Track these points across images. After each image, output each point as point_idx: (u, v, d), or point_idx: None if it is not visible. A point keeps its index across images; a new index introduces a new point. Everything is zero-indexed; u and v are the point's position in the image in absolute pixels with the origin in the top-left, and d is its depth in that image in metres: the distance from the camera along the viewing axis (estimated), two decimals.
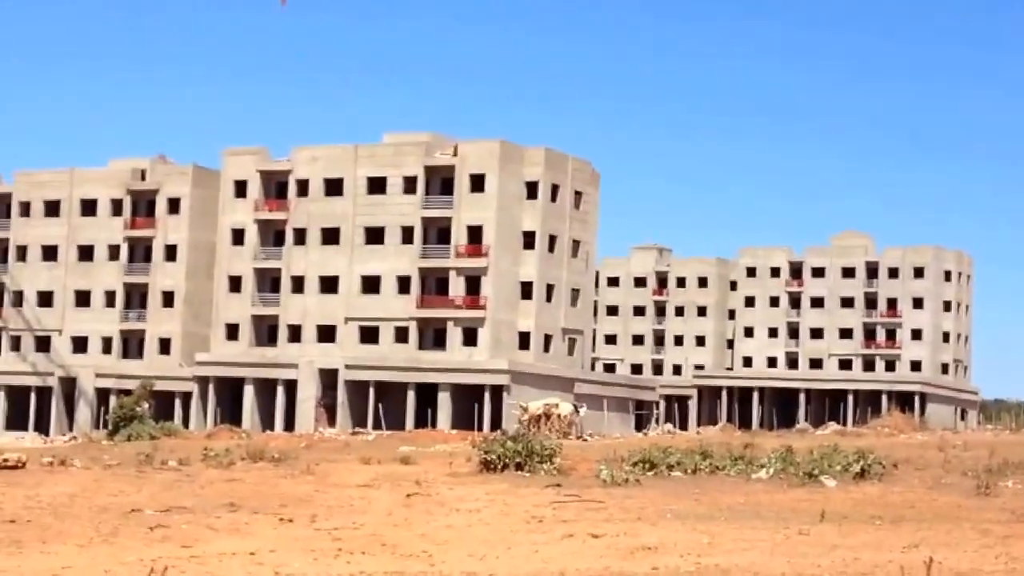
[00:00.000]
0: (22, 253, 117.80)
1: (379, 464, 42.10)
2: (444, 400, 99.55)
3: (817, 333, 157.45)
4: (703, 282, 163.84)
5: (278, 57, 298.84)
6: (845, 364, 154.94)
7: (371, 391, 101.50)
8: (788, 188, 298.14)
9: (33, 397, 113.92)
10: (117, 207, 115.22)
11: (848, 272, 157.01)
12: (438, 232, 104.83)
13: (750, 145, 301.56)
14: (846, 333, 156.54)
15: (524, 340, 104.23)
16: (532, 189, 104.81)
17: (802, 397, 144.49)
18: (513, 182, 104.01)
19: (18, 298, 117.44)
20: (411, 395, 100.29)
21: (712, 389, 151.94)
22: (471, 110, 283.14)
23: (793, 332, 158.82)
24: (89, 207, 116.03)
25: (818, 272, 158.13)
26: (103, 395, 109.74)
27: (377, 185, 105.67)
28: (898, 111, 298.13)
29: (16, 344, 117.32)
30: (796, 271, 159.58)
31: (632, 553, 21.71)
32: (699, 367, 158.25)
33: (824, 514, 26.66)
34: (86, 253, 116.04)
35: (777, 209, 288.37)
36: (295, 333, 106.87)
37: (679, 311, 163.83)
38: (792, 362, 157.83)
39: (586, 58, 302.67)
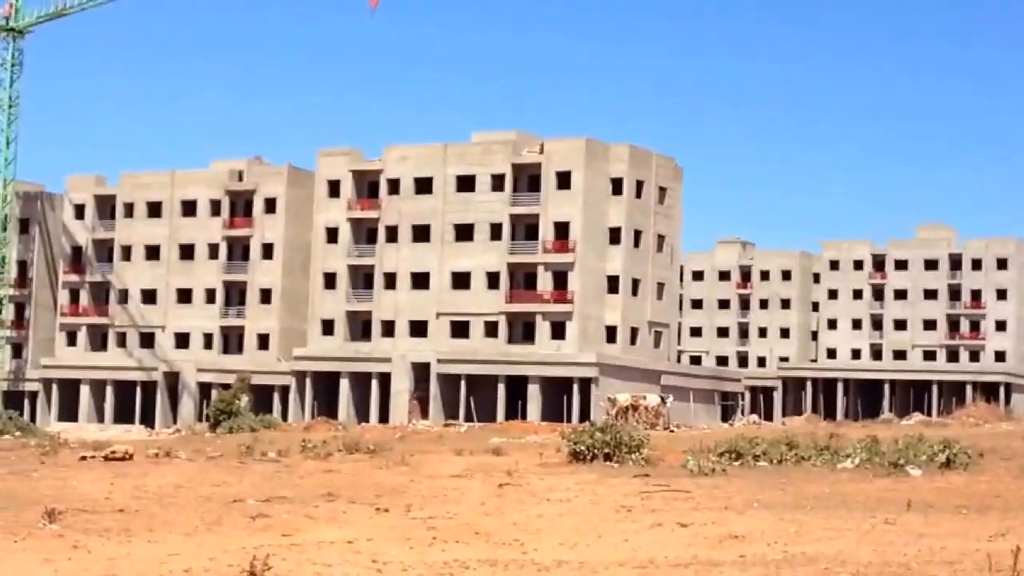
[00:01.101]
0: (127, 253, 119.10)
1: (471, 455, 42.20)
2: (534, 392, 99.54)
3: (901, 325, 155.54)
4: (787, 275, 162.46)
5: (370, 60, 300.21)
6: (929, 355, 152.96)
7: (462, 384, 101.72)
8: (871, 181, 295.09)
9: (139, 391, 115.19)
10: (216, 207, 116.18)
11: (931, 264, 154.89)
12: (526, 228, 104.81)
13: (833, 139, 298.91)
14: (930, 325, 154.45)
15: (611, 333, 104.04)
16: (617, 185, 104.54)
17: (886, 388, 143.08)
18: (599, 179, 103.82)
19: (123, 296, 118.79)
20: (501, 388, 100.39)
21: (797, 380, 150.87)
22: (557, 109, 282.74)
23: (877, 324, 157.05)
24: (190, 208, 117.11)
25: (901, 264, 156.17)
26: (205, 389, 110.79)
27: (466, 183, 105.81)
28: (980, 103, 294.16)
29: (122, 340, 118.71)
30: (879, 263, 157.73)
31: (720, 542, 21.62)
32: (783, 359, 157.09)
33: (910, 503, 26.38)
34: (187, 252, 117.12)
35: (860, 202, 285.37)
36: (388, 328, 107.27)
37: (763, 304, 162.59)
38: (876, 353, 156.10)
39: (668, 56, 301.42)
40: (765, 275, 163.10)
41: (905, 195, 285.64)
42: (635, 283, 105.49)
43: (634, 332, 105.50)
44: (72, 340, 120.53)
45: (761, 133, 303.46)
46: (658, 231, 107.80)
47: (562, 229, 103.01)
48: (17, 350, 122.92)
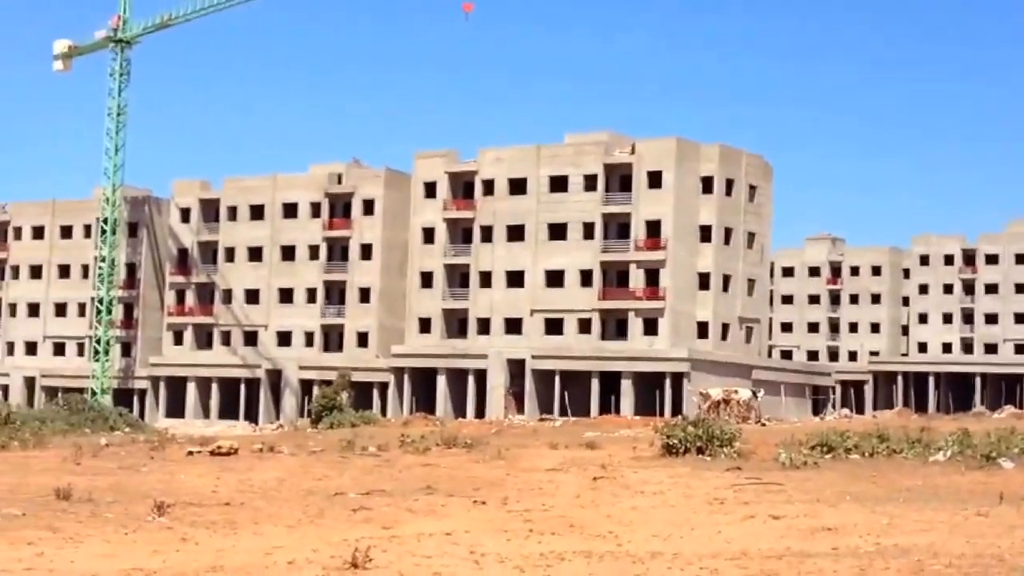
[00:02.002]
0: (230, 254, 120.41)
1: (566, 449, 42.14)
2: (627, 387, 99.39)
3: (992, 319, 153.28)
4: (876, 270, 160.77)
5: (464, 64, 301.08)
6: (1020, 349, 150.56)
7: (557, 379, 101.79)
8: (961, 176, 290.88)
9: (243, 388, 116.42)
10: (316, 209, 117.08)
11: (1022, 258, 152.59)
12: (618, 227, 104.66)
13: (923, 134, 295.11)
14: (1021, 318, 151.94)
15: (703, 329, 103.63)
16: (708, 184, 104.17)
17: (978, 381, 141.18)
18: (689, 178, 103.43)
19: (227, 296, 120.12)
20: (595, 383, 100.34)
21: (887, 374, 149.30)
22: (648, 110, 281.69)
23: (967, 318, 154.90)
24: (291, 210, 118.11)
25: (992, 259, 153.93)
26: (306, 386, 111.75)
27: (559, 183, 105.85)
28: None
29: (227, 339, 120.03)
30: (969, 258, 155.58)
31: (812, 534, 21.44)
32: (874, 353, 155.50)
33: (1002, 496, 25.97)
34: (288, 253, 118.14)
35: (950, 197, 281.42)
36: (484, 325, 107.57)
37: (853, 299, 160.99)
38: (967, 347, 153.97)
39: (757, 56, 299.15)
40: (855, 270, 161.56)
41: (995, 190, 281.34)
42: (726, 279, 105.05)
43: (725, 328, 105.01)
44: (179, 339, 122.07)
45: (851, 129, 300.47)
46: (748, 228, 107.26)
47: (654, 227, 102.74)
48: (126, 349, 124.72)
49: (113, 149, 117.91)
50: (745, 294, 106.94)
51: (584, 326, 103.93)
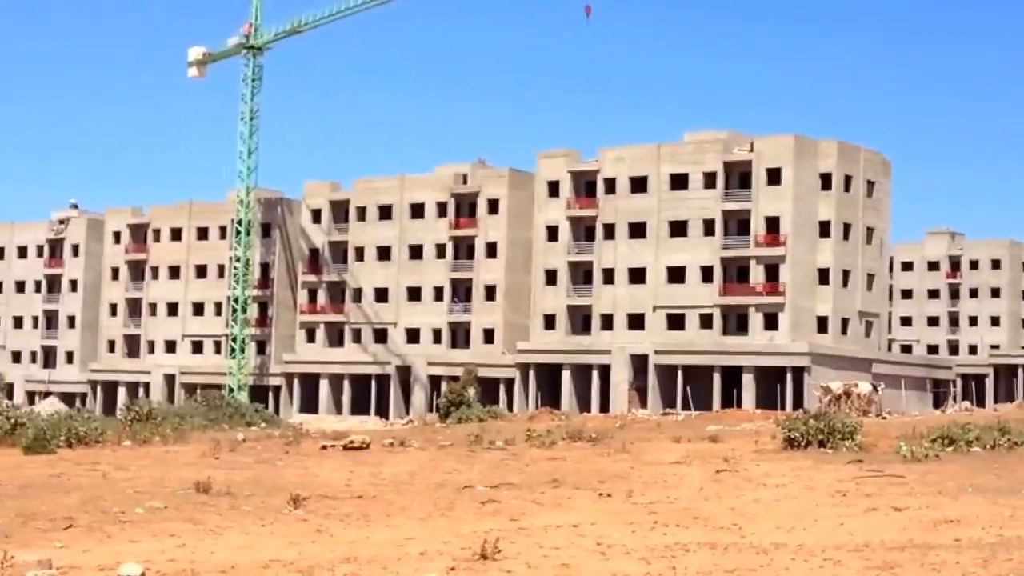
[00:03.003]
0: (360, 254, 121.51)
1: (689, 442, 41.96)
2: (748, 382, 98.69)
3: None
4: (996, 264, 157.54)
5: (585, 65, 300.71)
6: None
7: (679, 374, 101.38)
8: None
9: (373, 384, 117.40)
10: (442, 209, 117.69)
11: None
12: (738, 224, 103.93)
13: None
14: None
15: (822, 324, 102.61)
16: (826, 180, 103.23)
17: None
18: (808, 174, 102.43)
19: (358, 294, 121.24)
20: (716, 377, 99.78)
21: (1008, 367, 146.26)
22: (766, 107, 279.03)
23: None
24: (418, 210, 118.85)
25: None
26: (435, 381, 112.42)
27: (679, 181, 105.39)
28: None
29: (357, 336, 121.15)
30: None
31: (934, 526, 21.12)
32: (994, 347, 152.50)
33: None
34: (416, 252, 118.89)
35: None
36: (607, 321, 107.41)
37: (973, 293, 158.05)
38: None
39: (873, 50, 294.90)
40: (974, 264, 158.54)
41: None
42: (845, 274, 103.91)
43: (845, 322, 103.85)
44: (311, 337, 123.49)
45: (968, 123, 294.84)
46: (867, 223, 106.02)
47: (773, 224, 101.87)
48: (261, 347, 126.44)
49: (246, 153, 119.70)
50: (864, 289, 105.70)
51: (705, 321, 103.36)
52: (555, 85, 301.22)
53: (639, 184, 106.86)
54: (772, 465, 33.14)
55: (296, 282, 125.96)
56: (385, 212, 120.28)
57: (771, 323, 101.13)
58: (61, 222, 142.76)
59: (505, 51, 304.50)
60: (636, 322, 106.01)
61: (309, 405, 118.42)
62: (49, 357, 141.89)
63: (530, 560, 17.36)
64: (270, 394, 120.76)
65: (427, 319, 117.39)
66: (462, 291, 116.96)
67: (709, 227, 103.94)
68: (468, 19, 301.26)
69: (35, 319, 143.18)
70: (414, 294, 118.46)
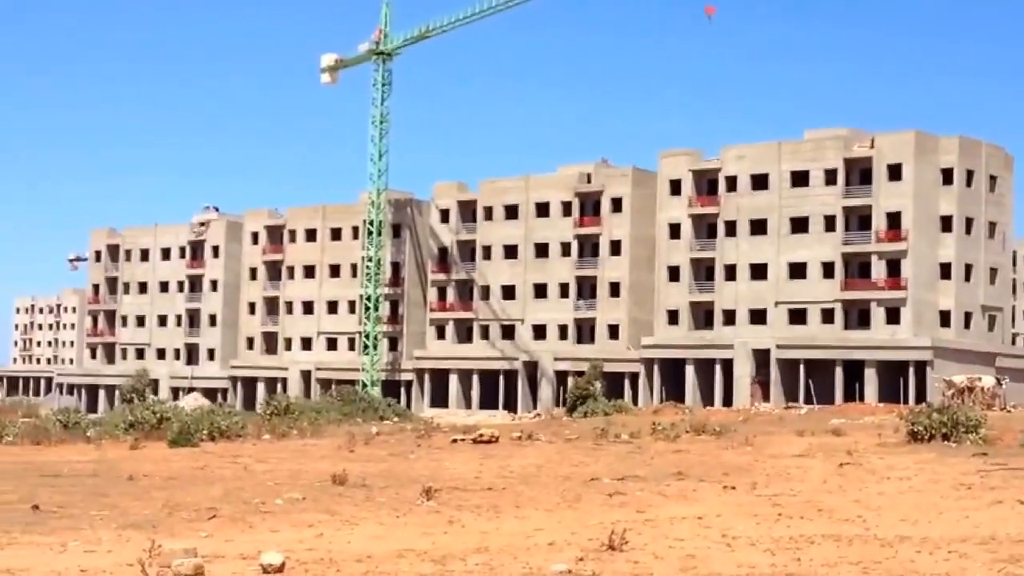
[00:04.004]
0: (487, 252, 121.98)
1: (812, 436, 41.49)
2: (870, 376, 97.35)
3: None
4: None
5: (706, 65, 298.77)
6: None
7: (801, 368, 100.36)
8: None
9: (501, 379, 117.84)
10: (567, 208, 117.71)
11: None
12: (859, 219, 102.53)
13: None
14: None
15: (944, 318, 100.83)
16: (947, 175, 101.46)
17: None
18: (928, 170, 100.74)
19: (485, 292, 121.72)
20: (838, 371, 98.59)
21: None
22: (886, 103, 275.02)
23: None
24: (543, 209, 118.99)
25: None
26: (561, 376, 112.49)
27: (800, 178, 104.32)
28: None
29: (485, 333, 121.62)
30: None
31: None
32: None
33: None
34: (542, 250, 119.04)
35: None
36: (729, 317, 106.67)
37: None
38: None
39: (991, 45, 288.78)
40: None
41: None
42: (967, 269, 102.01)
43: (968, 316, 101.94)
44: (441, 333, 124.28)
45: None
46: (989, 218, 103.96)
47: (894, 219, 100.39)
48: (393, 343, 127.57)
49: (377, 155, 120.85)
50: (987, 283, 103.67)
51: (827, 316, 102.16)
52: (676, 85, 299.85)
53: (760, 181, 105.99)
54: (896, 458, 32.64)
55: (426, 280, 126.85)
56: (511, 211, 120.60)
57: (893, 317, 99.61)
58: (202, 224, 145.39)
59: (627, 53, 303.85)
60: (758, 317, 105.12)
61: (439, 400, 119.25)
62: (192, 354, 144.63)
63: (656, 551, 17.31)
64: (402, 389, 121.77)
65: (553, 315, 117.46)
66: (587, 288, 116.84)
67: (830, 223, 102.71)
68: (591, 22, 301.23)
69: (178, 318, 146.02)
70: (540, 291, 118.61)
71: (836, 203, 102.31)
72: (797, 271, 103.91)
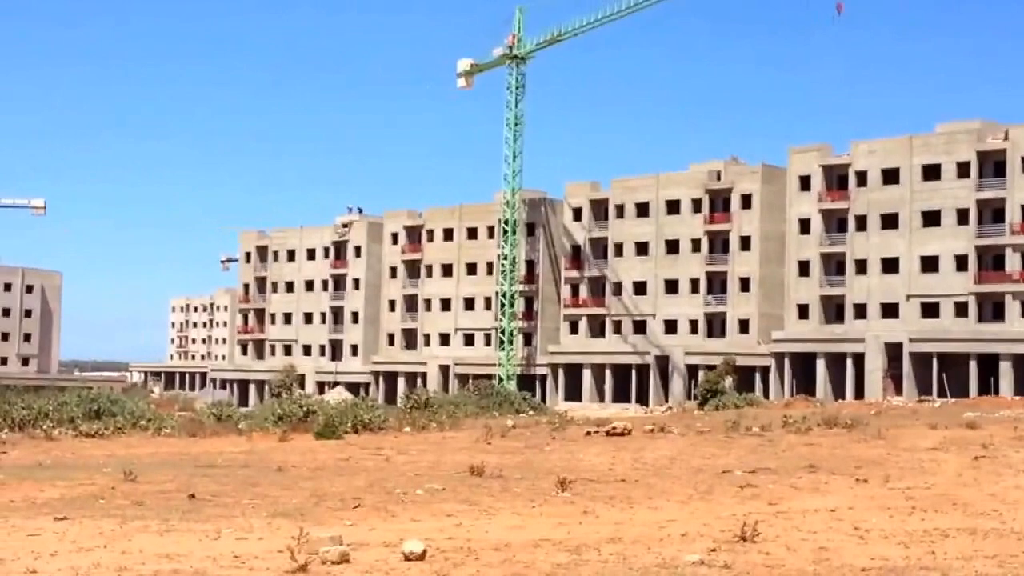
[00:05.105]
0: (619, 249, 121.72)
1: (945, 429, 40.72)
2: (1005, 369, 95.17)
3: None
4: None
5: (834, 60, 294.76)
6: None
7: (934, 362, 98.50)
8: None
9: (633, 373, 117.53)
10: (697, 205, 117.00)
11: None
12: (992, 212, 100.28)
13: None
14: None
15: None
16: None
17: None
18: None
19: (617, 288, 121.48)
20: (972, 365, 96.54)
21: None
22: (1020, 96, 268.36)
23: None
24: (673, 206, 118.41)
25: None
26: (692, 370, 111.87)
27: (932, 172, 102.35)
28: None
29: (617, 328, 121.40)
30: None
31: None
32: None
33: None
34: (672, 247, 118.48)
35: None
36: (860, 311, 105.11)
37: None
38: None
39: None
40: None
41: None
42: None
43: None
44: (574, 329, 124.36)
45: None
46: None
47: None
48: (528, 339, 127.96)
49: (511, 156, 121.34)
50: None
51: (960, 310, 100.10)
52: (804, 81, 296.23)
53: (891, 176, 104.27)
54: None
55: (559, 277, 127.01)
56: (642, 209, 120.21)
57: None
58: (345, 226, 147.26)
59: (755, 51, 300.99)
60: (890, 311, 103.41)
61: (573, 393, 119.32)
62: (336, 350, 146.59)
63: (789, 543, 17.14)
64: (536, 383, 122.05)
65: (684, 310, 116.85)
66: (717, 283, 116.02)
67: (963, 216, 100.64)
68: (719, 21, 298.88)
69: (323, 315, 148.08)
70: (671, 287, 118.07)
71: (969, 196, 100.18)
72: (929, 265, 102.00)
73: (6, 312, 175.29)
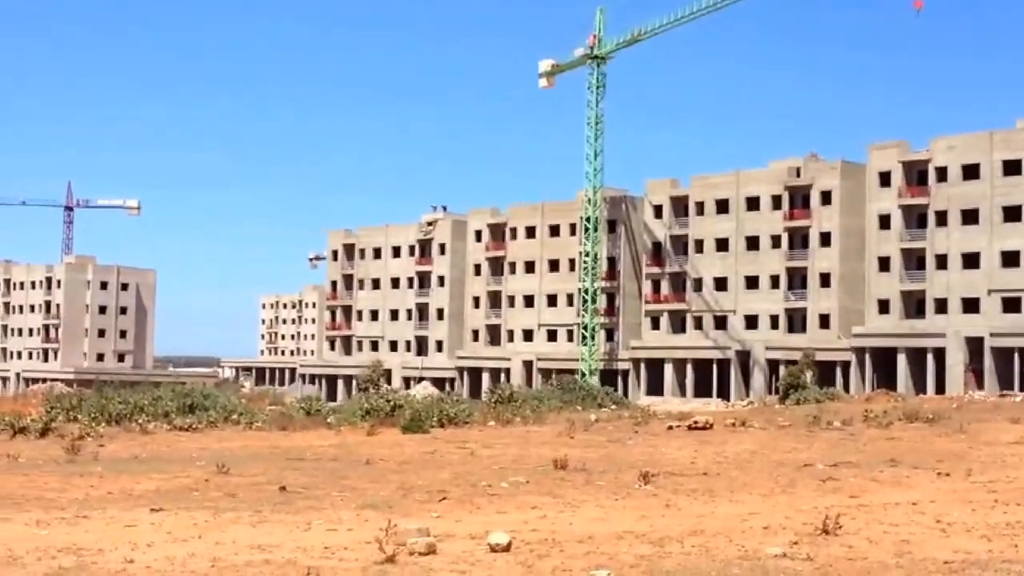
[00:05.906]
0: (699, 246, 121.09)
1: None
2: None
3: None
4: None
5: (914, 57, 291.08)
6: None
7: (1016, 357, 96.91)
8: None
9: (714, 368, 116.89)
10: (776, 201, 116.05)
11: None
12: None
13: None
14: None
15: None
16: None
17: None
18: None
19: (698, 284, 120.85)
20: None
21: None
22: None
23: None
24: (753, 203, 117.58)
25: None
26: (773, 365, 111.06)
27: (1013, 167, 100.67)
28: None
29: (698, 323, 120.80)
30: None
31: None
32: None
33: None
34: (752, 243, 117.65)
35: None
36: (941, 305, 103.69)
37: None
38: None
39: None
40: None
41: None
42: None
43: None
44: (655, 324, 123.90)
45: None
46: None
47: None
48: (609, 334, 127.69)
49: (592, 155, 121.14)
50: None
51: None
52: (883, 78, 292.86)
53: (971, 171, 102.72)
54: None
55: (640, 273, 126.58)
56: (722, 206, 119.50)
57: None
58: (429, 224, 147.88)
59: (834, 48, 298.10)
60: (970, 306, 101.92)
61: (654, 388, 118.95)
62: (421, 346, 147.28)
63: (871, 536, 16.98)
64: (618, 378, 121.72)
65: (764, 306, 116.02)
66: (797, 279, 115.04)
67: None
68: (796, 19, 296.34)
69: (409, 312, 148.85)
70: (751, 282, 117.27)
71: None
72: (1010, 259, 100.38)
73: (102, 309, 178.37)
